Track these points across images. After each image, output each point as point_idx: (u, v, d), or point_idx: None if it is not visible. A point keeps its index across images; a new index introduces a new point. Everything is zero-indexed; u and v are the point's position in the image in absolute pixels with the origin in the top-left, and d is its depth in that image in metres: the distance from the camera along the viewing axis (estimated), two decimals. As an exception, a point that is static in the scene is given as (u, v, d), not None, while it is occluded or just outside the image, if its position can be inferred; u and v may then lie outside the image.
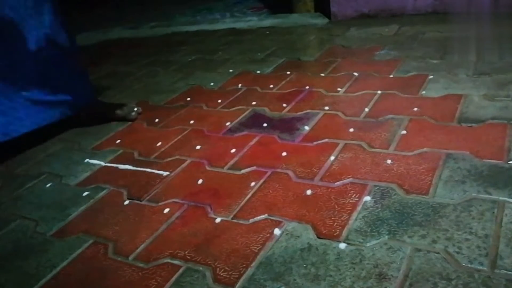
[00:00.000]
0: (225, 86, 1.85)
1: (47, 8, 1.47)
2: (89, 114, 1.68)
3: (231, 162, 1.25)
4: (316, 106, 1.51)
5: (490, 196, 0.94)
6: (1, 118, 1.46)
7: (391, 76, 1.66)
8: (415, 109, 1.37)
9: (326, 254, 0.86)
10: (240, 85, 1.83)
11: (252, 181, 1.14)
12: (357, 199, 1.00)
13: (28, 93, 1.50)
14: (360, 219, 0.94)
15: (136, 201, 1.15)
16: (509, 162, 1.04)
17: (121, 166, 1.34)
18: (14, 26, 1.41)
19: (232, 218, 1.02)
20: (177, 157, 1.34)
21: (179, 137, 1.46)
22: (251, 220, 1.00)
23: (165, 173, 1.25)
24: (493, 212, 0.89)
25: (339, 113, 1.43)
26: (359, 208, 0.97)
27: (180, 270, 0.89)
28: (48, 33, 1.47)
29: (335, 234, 0.91)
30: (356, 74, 1.73)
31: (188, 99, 1.78)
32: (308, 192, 1.06)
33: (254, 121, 1.48)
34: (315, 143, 1.28)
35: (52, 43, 1.49)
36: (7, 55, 1.43)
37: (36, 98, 1.51)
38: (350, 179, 1.08)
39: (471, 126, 1.23)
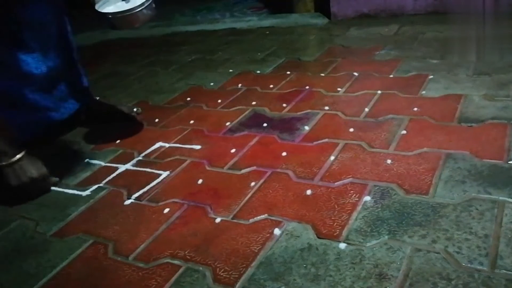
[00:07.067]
0: (225, 86, 1.85)
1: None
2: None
3: (231, 162, 1.25)
4: (316, 106, 1.51)
5: (490, 196, 0.94)
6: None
7: (391, 76, 1.66)
8: (415, 109, 1.37)
9: (326, 254, 0.86)
10: (240, 85, 1.83)
11: (252, 181, 1.14)
12: (357, 199, 1.00)
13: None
14: (360, 219, 0.94)
15: (136, 201, 1.15)
16: (509, 162, 1.04)
17: (121, 166, 1.34)
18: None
19: (232, 218, 1.02)
20: (177, 157, 1.34)
21: (179, 137, 1.46)
22: (251, 220, 1.00)
23: (165, 173, 1.25)
24: (490, 212, 0.89)
25: (339, 113, 1.43)
26: (359, 208, 0.97)
27: (180, 270, 0.89)
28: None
29: (335, 234, 0.91)
30: (356, 74, 1.73)
31: (188, 99, 1.78)
32: (308, 192, 1.06)
33: (254, 121, 1.48)
34: (315, 143, 1.28)
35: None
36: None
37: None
38: (350, 179, 1.08)
39: (471, 126, 1.23)
